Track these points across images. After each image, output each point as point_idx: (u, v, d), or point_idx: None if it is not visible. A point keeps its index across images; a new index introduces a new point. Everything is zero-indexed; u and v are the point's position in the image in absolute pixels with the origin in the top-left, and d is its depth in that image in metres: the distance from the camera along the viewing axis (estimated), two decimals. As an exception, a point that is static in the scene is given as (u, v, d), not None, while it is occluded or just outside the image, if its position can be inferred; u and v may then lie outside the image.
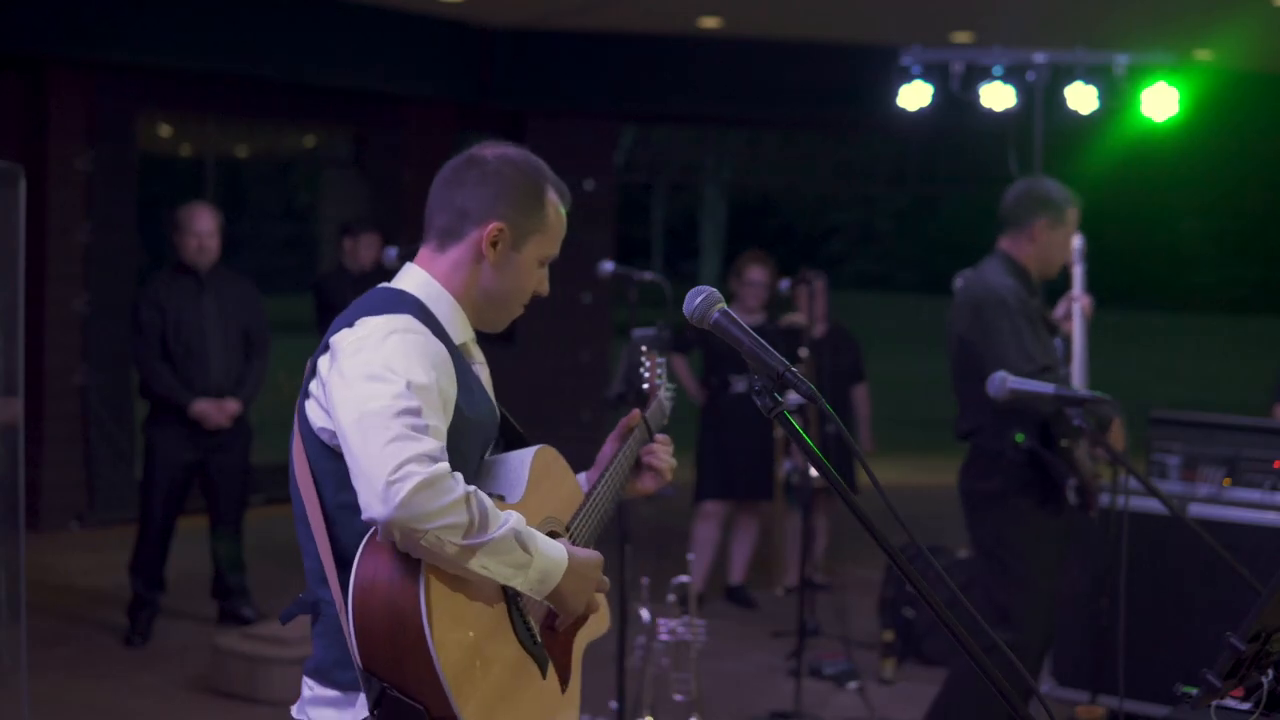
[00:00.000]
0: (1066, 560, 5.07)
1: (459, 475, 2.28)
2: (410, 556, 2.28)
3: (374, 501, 2.23)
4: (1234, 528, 5.48)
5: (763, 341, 2.26)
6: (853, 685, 6.52)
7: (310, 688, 2.49)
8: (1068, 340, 5.38)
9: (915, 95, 8.06)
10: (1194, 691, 2.75)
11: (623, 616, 5.10)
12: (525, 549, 2.33)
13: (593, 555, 2.53)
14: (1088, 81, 7.78)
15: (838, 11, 10.27)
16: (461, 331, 2.57)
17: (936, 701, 5.09)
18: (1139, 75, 7.78)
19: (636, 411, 2.95)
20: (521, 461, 2.59)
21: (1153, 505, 5.45)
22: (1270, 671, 2.78)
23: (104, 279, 9.38)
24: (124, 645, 6.82)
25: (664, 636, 5.52)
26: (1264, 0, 9.17)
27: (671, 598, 5.65)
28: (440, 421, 2.34)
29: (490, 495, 2.43)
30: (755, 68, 11.39)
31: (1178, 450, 5.95)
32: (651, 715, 5.52)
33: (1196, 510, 5.60)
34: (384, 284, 2.58)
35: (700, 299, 2.33)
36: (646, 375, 3.22)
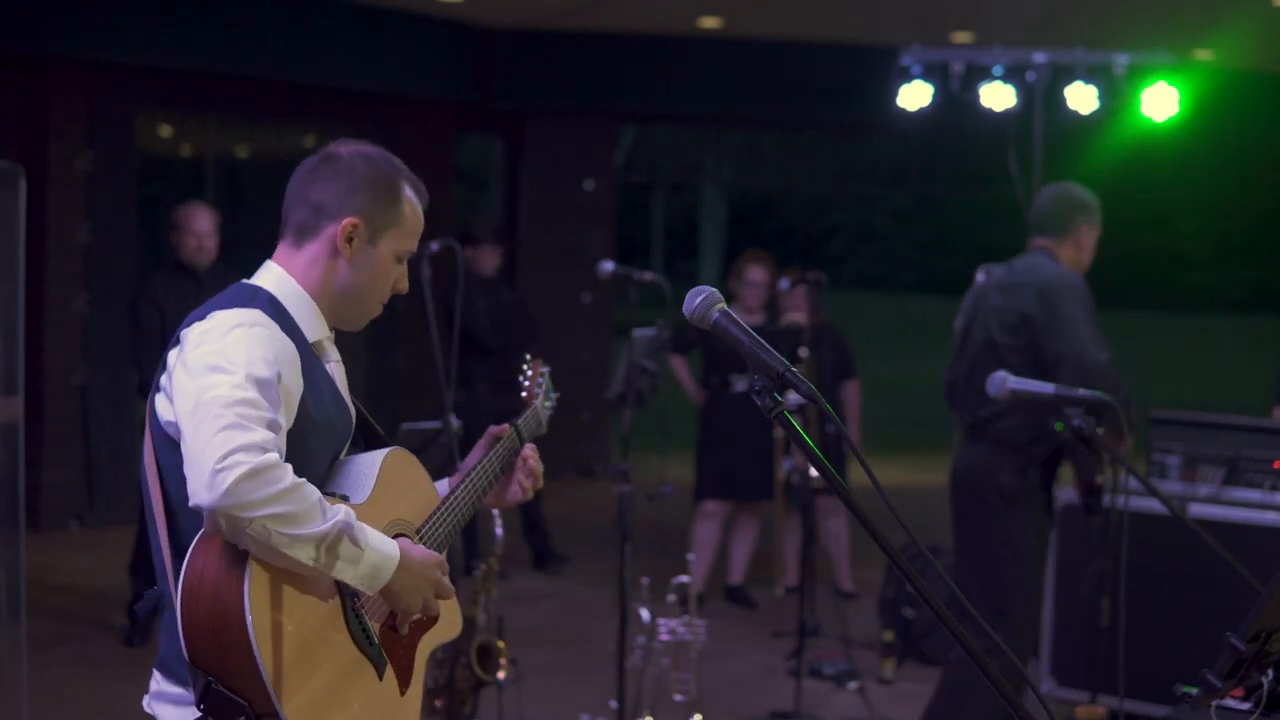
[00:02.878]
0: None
1: (288, 467, 2.29)
2: (238, 550, 2.29)
3: (200, 488, 2.25)
4: (1234, 528, 5.48)
5: (763, 341, 2.25)
6: (853, 685, 6.52)
7: (157, 681, 2.49)
8: None
9: (915, 95, 8.06)
10: (1194, 691, 2.75)
11: (623, 616, 5.10)
12: (355, 543, 2.34)
13: (431, 555, 2.53)
14: (1088, 81, 7.78)
15: (838, 11, 10.27)
16: (316, 329, 2.58)
17: (929, 708, 5.09)
18: (1139, 75, 7.78)
19: (506, 425, 2.94)
20: (371, 463, 2.59)
21: (1153, 505, 5.45)
22: (1270, 671, 2.78)
23: (104, 279, 9.38)
24: (124, 645, 6.82)
25: (664, 636, 5.51)
26: (1264, 0, 9.17)
27: (671, 598, 5.65)
28: (278, 415, 2.35)
29: (334, 495, 2.48)
30: (755, 68, 11.39)
31: (1178, 450, 5.95)
32: (651, 715, 5.52)
33: (1196, 510, 5.60)
34: (243, 280, 2.59)
35: (700, 299, 2.32)
36: (526, 384, 3.18)
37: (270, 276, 2.58)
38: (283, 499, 2.25)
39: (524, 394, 3.16)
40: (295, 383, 2.44)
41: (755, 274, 7.79)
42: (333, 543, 2.31)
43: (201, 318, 2.45)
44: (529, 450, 2.96)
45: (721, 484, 7.88)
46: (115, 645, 6.84)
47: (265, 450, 2.27)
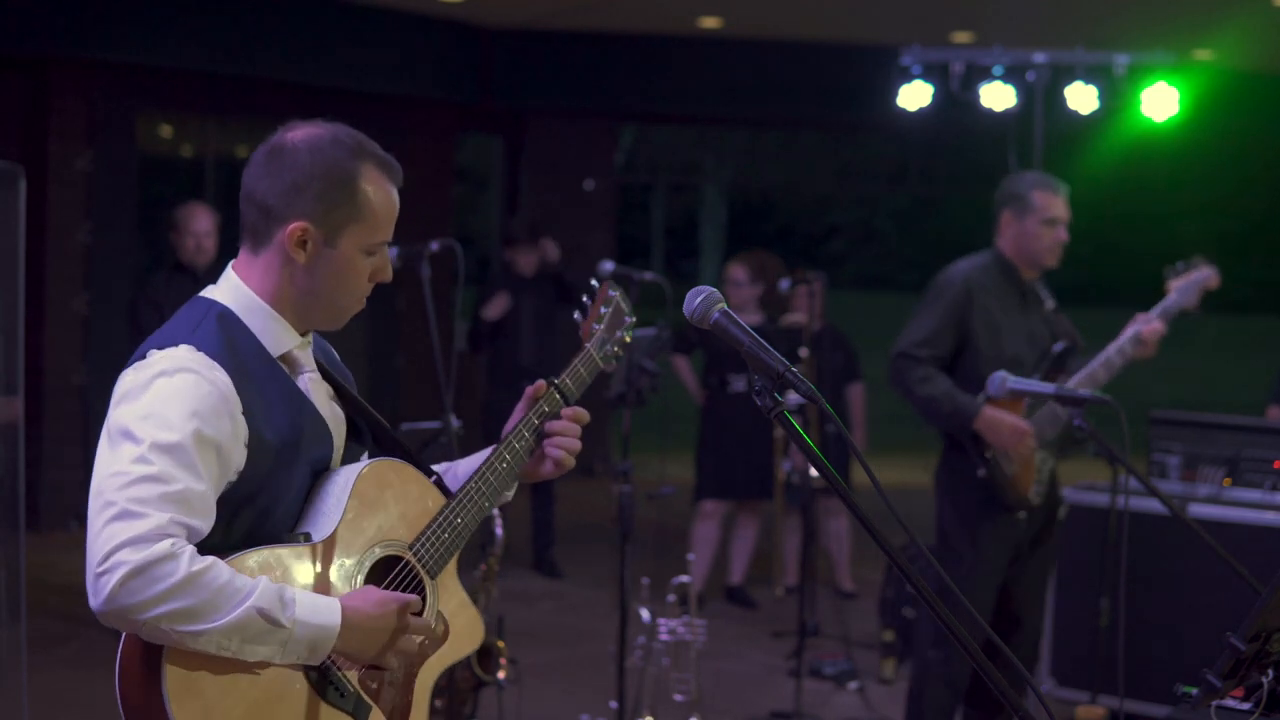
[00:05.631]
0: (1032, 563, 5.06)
1: (185, 554, 2.10)
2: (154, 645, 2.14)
3: (89, 591, 2.13)
4: (1234, 528, 5.48)
5: (763, 341, 2.25)
6: (853, 685, 6.52)
7: None
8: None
9: (915, 95, 8.06)
10: (1194, 691, 2.75)
11: (623, 616, 5.10)
12: (276, 623, 2.14)
13: (389, 602, 2.27)
14: (1088, 81, 7.78)
15: (838, 11, 10.27)
16: (281, 341, 2.35)
17: (910, 695, 5.12)
18: (1139, 75, 7.78)
19: (542, 382, 2.61)
20: (345, 484, 2.33)
21: (1153, 505, 5.45)
22: (1270, 671, 2.78)
23: (104, 279, 9.38)
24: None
25: (664, 636, 5.52)
26: (1264, 0, 9.17)
27: (671, 598, 5.65)
28: (193, 480, 2.15)
29: (297, 534, 2.29)
30: (755, 68, 11.38)
31: (1178, 450, 5.95)
32: (651, 715, 5.52)
33: (1196, 510, 5.60)
34: (204, 291, 2.38)
35: (700, 299, 2.32)
36: (584, 318, 2.75)
37: (227, 288, 2.35)
38: (176, 594, 2.08)
39: (580, 331, 2.75)
40: (229, 429, 2.21)
41: (734, 272, 7.78)
42: (241, 630, 2.12)
43: (143, 355, 2.27)
44: (563, 424, 2.59)
45: (721, 483, 7.87)
46: (115, 645, 6.82)
47: (158, 538, 2.09)
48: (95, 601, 2.11)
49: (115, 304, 9.12)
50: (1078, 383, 4.85)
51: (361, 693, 2.32)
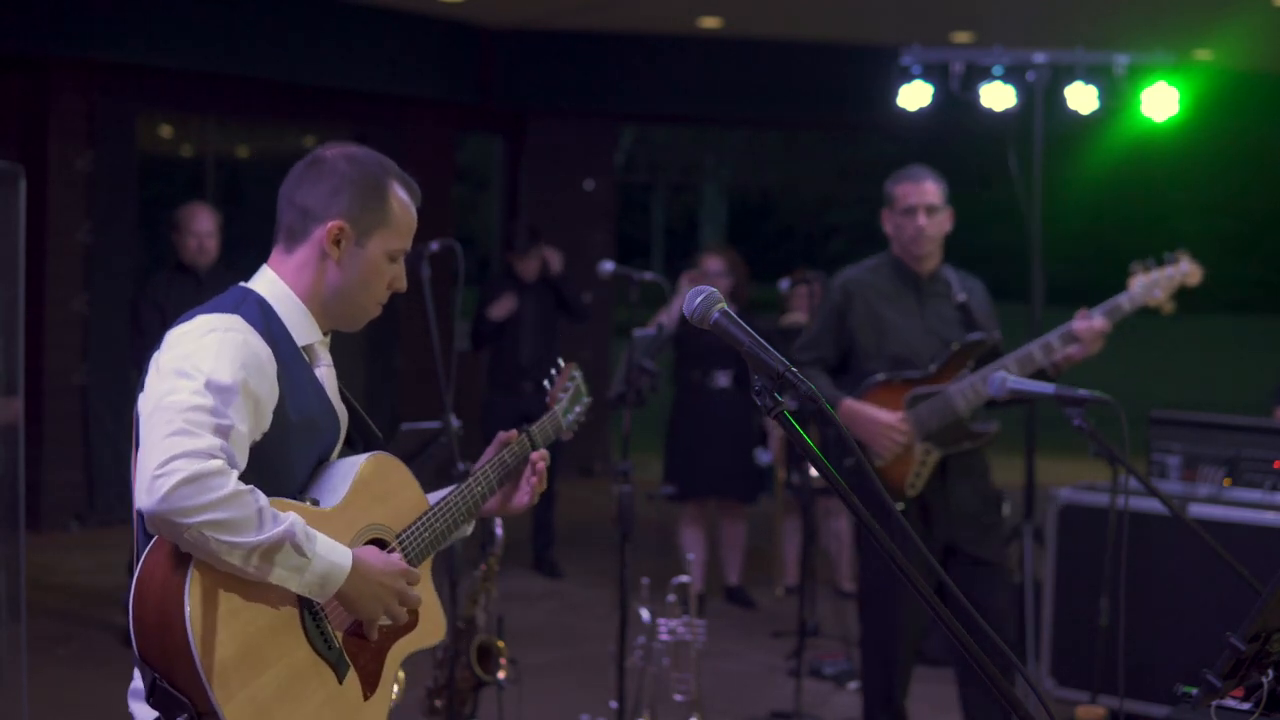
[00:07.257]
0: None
1: (232, 474, 2.31)
2: (185, 554, 2.32)
3: (141, 492, 2.30)
4: (1234, 528, 5.48)
5: (763, 341, 2.25)
6: (853, 685, 6.52)
7: (136, 679, 2.51)
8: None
9: (915, 95, 8.04)
10: (1194, 691, 2.76)
11: (623, 616, 5.10)
12: (300, 551, 2.36)
13: (394, 565, 2.54)
14: (1088, 81, 7.77)
15: (838, 11, 10.28)
16: (307, 333, 2.60)
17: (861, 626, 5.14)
18: (1139, 75, 7.77)
19: (515, 431, 2.94)
20: (351, 467, 2.60)
21: (1153, 505, 5.45)
22: (1270, 671, 2.78)
23: (104, 279, 9.38)
24: (124, 645, 6.82)
25: (664, 636, 5.52)
26: (1264, 0, 9.17)
27: (671, 598, 5.65)
28: (238, 421, 2.37)
29: (305, 499, 2.52)
30: (755, 68, 11.39)
31: (1178, 450, 5.95)
32: (651, 715, 5.52)
33: (1196, 510, 5.60)
34: (239, 283, 2.62)
35: (700, 299, 2.32)
36: (550, 388, 3.15)
37: (263, 281, 2.61)
38: (220, 506, 2.27)
39: (546, 399, 3.13)
40: (267, 390, 2.46)
41: (710, 263, 7.73)
42: (271, 551, 2.32)
43: (189, 319, 2.49)
44: (538, 455, 2.95)
45: (693, 482, 7.75)
46: (115, 645, 6.84)
47: (210, 457, 2.29)
48: (149, 501, 2.27)
49: (115, 304, 9.12)
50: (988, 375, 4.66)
51: (344, 651, 2.53)
